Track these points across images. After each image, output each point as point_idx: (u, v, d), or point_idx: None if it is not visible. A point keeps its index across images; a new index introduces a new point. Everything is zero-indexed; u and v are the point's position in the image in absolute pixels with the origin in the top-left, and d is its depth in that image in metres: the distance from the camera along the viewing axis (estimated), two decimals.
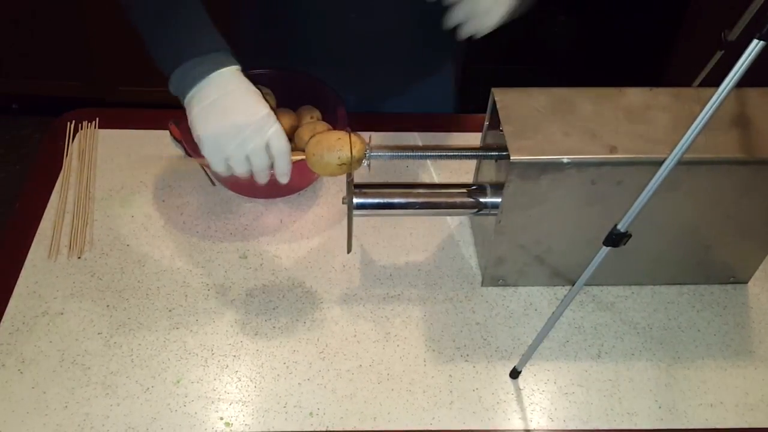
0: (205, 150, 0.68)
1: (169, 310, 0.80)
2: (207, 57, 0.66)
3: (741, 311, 0.83)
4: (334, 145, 0.72)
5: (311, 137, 0.74)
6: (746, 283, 0.86)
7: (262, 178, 0.72)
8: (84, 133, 1.00)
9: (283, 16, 0.93)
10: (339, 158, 0.73)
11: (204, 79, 0.65)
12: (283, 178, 0.71)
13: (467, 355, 0.77)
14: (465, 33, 0.74)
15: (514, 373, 0.76)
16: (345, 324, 0.80)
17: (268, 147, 0.68)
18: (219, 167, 0.70)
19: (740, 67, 0.48)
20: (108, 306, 0.80)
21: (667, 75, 2.10)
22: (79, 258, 0.85)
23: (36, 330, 0.77)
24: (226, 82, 0.66)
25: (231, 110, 0.65)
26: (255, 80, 0.95)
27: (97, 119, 1.02)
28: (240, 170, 0.70)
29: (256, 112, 0.66)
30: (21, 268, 0.83)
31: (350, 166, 0.74)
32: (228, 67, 0.67)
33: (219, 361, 0.75)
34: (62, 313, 0.79)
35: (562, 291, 0.85)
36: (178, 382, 0.74)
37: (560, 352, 0.78)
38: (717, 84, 0.50)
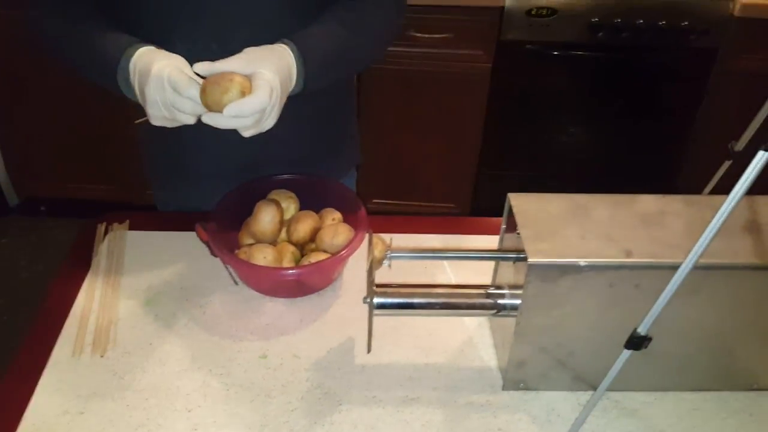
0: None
1: (188, 411, 0.79)
2: (126, 53, 0.83)
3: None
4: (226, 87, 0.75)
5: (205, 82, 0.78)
6: None
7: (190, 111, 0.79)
8: (114, 234, 1.04)
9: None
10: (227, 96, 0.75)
11: (128, 71, 0.83)
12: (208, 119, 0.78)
13: None
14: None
15: None
16: (364, 428, 0.79)
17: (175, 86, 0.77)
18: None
19: (748, 177, 0.51)
20: (128, 406, 0.80)
21: (677, 185, 2.15)
22: (101, 356, 0.86)
23: (56, 430, 0.77)
24: (139, 60, 0.82)
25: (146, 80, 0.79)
26: (280, 186, 1.01)
27: (128, 221, 1.06)
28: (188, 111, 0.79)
29: (150, 72, 0.79)
30: (45, 366, 0.84)
31: (371, 264, 0.76)
32: (138, 50, 0.83)
33: None
34: (82, 413, 0.79)
35: (585, 396, 0.83)
36: None
37: None
38: (726, 192, 0.52)
